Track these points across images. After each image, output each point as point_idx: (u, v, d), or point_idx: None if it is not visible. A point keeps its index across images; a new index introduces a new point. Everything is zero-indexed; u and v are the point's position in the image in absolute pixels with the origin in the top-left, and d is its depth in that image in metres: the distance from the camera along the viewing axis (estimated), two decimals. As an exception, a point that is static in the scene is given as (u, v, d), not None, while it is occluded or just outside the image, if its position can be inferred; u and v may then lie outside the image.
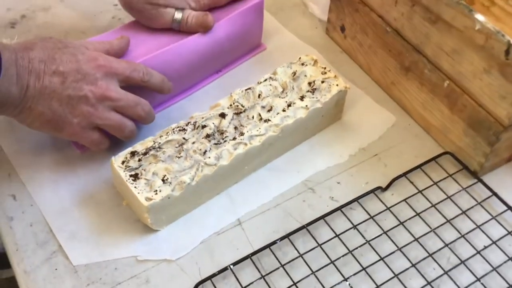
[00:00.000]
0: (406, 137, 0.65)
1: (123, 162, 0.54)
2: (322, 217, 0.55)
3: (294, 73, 0.64)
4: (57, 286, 0.51)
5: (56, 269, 0.52)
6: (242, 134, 0.57)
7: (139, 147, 0.56)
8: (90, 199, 0.57)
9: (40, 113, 0.52)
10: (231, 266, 0.51)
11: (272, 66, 0.67)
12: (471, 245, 0.54)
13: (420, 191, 0.58)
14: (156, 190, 0.52)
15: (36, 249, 0.53)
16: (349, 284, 0.51)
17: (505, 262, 0.53)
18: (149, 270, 0.52)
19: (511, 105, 0.52)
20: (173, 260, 0.53)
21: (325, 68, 0.64)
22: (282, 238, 0.53)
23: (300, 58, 0.65)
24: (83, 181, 0.59)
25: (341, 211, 0.56)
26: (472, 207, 0.57)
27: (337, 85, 0.62)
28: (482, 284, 0.51)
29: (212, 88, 0.69)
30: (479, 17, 0.52)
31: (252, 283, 0.50)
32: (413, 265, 0.52)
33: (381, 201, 0.57)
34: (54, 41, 0.54)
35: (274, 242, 0.53)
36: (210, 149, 0.56)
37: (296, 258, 0.52)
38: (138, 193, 0.52)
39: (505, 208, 0.57)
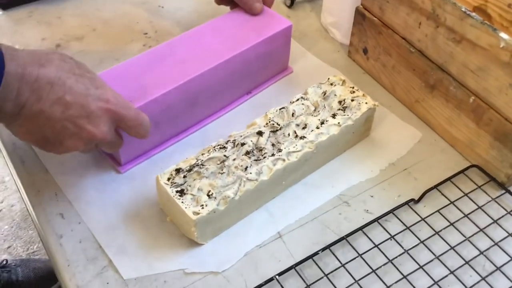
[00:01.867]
0: (433, 152, 0.68)
1: (168, 179, 0.57)
2: (360, 228, 0.58)
3: (324, 93, 0.67)
4: (110, 299, 0.52)
5: (107, 283, 0.54)
6: (280, 150, 0.60)
7: (182, 164, 0.58)
8: (135, 216, 0.59)
9: (29, 132, 0.50)
10: (277, 277, 0.53)
11: (299, 88, 0.71)
12: (505, 252, 0.56)
13: (452, 202, 0.60)
14: (203, 205, 0.55)
15: (87, 264, 0.55)
16: (392, 291, 0.53)
17: (539, 267, 0.55)
18: (197, 282, 0.54)
19: (538, 117, 0.55)
20: (219, 272, 0.55)
21: (353, 87, 0.67)
22: (323, 249, 0.56)
23: (329, 78, 0.69)
24: (127, 199, 0.61)
25: (378, 222, 0.58)
26: (502, 216, 0.59)
27: (366, 103, 0.65)
28: (518, 288, 0.53)
29: (244, 109, 0.72)
30: (504, 35, 0.56)
31: (298, 292, 0.52)
32: (451, 272, 0.54)
33: (415, 212, 0.60)
34: (72, 64, 0.50)
35: (316, 253, 0.55)
36: (251, 165, 0.58)
37: (339, 268, 0.54)
38: (186, 207, 0.54)
39: (534, 216, 0.59)
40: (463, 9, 0.59)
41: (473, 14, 0.58)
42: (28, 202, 0.61)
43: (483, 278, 0.54)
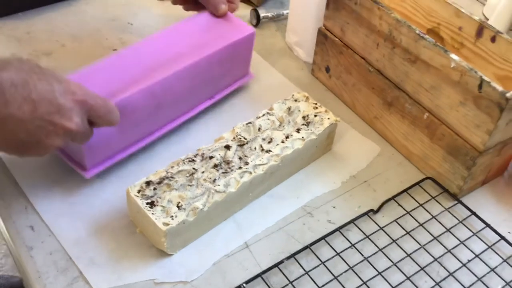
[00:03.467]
0: (391, 165, 0.72)
1: (139, 191, 0.59)
2: (323, 237, 0.61)
3: (289, 108, 0.70)
4: (81, 309, 0.54)
5: (78, 293, 0.55)
6: (246, 163, 0.63)
7: (152, 177, 0.60)
8: (105, 228, 0.61)
9: (3, 139, 0.50)
10: (244, 285, 0.56)
11: (263, 102, 0.74)
12: (457, 258, 0.60)
13: (408, 212, 0.64)
14: (172, 216, 0.57)
15: (58, 275, 0.56)
16: (353, 297, 0.56)
17: (488, 273, 0.59)
18: (166, 292, 0.56)
19: (485, 133, 0.60)
20: (188, 282, 0.57)
21: (316, 103, 0.71)
22: (288, 258, 0.58)
23: (293, 95, 0.72)
24: (97, 211, 0.62)
25: (340, 231, 0.62)
26: (454, 225, 0.63)
27: (328, 118, 0.69)
28: (469, 292, 0.57)
29: (211, 122, 0.74)
30: (454, 56, 0.60)
31: (264, 299, 0.55)
32: (408, 278, 0.58)
33: (374, 222, 0.63)
34: (31, 64, 0.50)
35: (281, 262, 0.58)
36: (219, 177, 0.61)
37: (303, 275, 0.57)
38: (156, 219, 0.56)
39: (484, 225, 0.64)
40: (417, 32, 0.64)
41: (426, 36, 0.63)
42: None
43: (437, 283, 0.57)
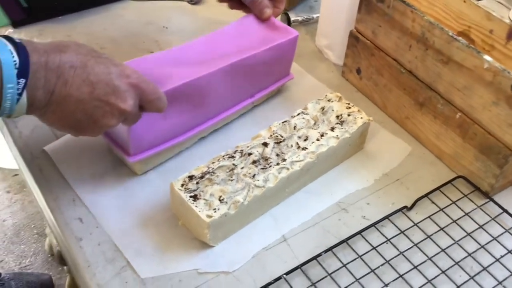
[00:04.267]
0: (422, 164, 0.73)
1: (182, 185, 0.61)
2: (359, 232, 0.63)
3: (323, 108, 0.72)
4: (129, 297, 0.56)
5: (126, 282, 0.57)
6: (284, 160, 0.65)
7: (194, 172, 0.63)
8: (149, 220, 0.63)
9: (62, 118, 0.52)
10: (284, 276, 0.58)
11: (297, 103, 0.76)
12: (490, 254, 0.62)
13: (441, 209, 0.66)
14: (215, 209, 0.59)
15: (106, 265, 0.59)
16: (390, 289, 0.58)
17: (521, 267, 0.61)
18: (209, 281, 0.58)
19: (518, 131, 0.61)
20: (230, 272, 0.59)
21: (349, 103, 0.73)
22: (326, 251, 0.60)
23: (326, 95, 0.74)
24: (141, 205, 0.65)
25: (375, 227, 0.63)
26: (487, 222, 0.65)
27: (361, 118, 0.71)
28: (504, 287, 0.58)
29: (247, 122, 0.77)
30: (487, 57, 0.62)
31: (304, 289, 0.57)
32: (443, 272, 0.59)
33: (409, 218, 0.65)
34: (88, 48, 0.53)
35: (319, 254, 0.60)
36: (258, 173, 0.63)
37: (340, 268, 0.59)
38: (200, 211, 0.59)
39: (516, 222, 0.65)
40: (450, 34, 0.66)
41: (459, 38, 0.65)
42: (47, 207, 0.65)
43: (472, 277, 0.59)
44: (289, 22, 0.95)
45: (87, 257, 0.59)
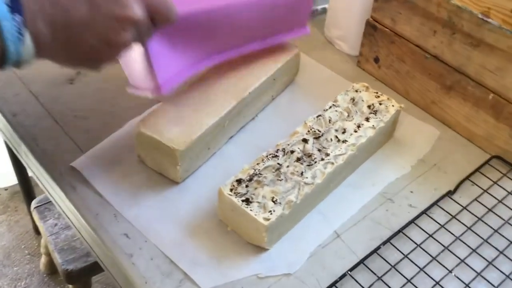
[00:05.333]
0: (455, 148, 0.74)
1: (231, 190, 0.59)
2: (412, 221, 0.62)
3: (353, 99, 0.71)
4: (194, 310, 0.54)
5: (187, 294, 0.55)
6: (327, 154, 0.64)
7: (241, 175, 0.61)
8: (197, 229, 0.61)
9: (74, 50, 0.49)
10: (349, 272, 0.57)
11: (318, 96, 0.76)
12: (542, 230, 0.62)
13: (485, 191, 0.66)
14: (271, 211, 0.57)
15: (164, 279, 0.56)
16: (455, 275, 0.57)
17: None
18: (272, 286, 0.57)
19: (557, 107, 0.62)
20: (291, 274, 0.58)
21: (377, 92, 0.73)
22: (384, 243, 0.60)
23: (353, 86, 0.73)
24: (184, 214, 0.63)
25: (426, 214, 0.63)
26: (530, 199, 0.66)
27: (392, 105, 0.71)
28: (560, 261, 0.59)
29: (272, 119, 0.76)
30: (521, 37, 0.63)
31: (372, 284, 0.56)
32: (501, 252, 0.60)
33: (455, 201, 0.65)
34: None
35: (378, 247, 0.59)
36: (305, 170, 0.62)
37: (402, 259, 0.58)
38: (255, 214, 0.57)
39: (558, 196, 0.66)
40: (480, 16, 0.66)
41: (490, 20, 0.65)
42: (88, 227, 0.61)
43: (528, 254, 0.60)
44: (294, 16, 0.94)
45: (142, 273, 0.57)
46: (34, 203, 1.30)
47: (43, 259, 1.48)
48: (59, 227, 1.24)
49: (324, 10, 0.94)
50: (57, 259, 1.19)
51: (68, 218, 0.67)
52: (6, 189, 1.75)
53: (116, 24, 0.49)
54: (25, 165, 0.75)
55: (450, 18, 0.69)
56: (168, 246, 0.59)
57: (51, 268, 1.47)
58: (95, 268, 1.16)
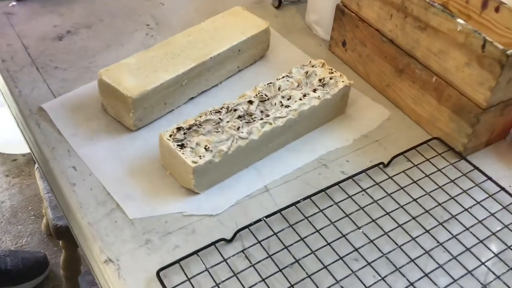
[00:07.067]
0: (401, 128, 0.77)
1: (170, 136, 0.65)
2: (337, 183, 0.66)
3: (307, 72, 0.76)
4: (118, 234, 0.60)
5: (116, 221, 0.61)
6: (267, 116, 0.69)
7: (182, 124, 0.67)
8: (139, 171, 0.67)
9: None
10: (264, 218, 0.61)
11: (283, 71, 0.80)
12: (460, 204, 0.65)
13: (415, 165, 0.70)
14: (200, 156, 0.63)
15: (97, 207, 0.63)
16: (362, 231, 0.61)
17: (488, 217, 0.64)
18: (194, 223, 0.62)
19: (488, 89, 0.65)
20: (214, 215, 0.63)
21: (331, 69, 0.77)
22: (305, 198, 0.64)
23: (310, 61, 0.78)
24: (131, 157, 0.69)
25: (353, 179, 0.67)
26: (458, 177, 0.69)
27: (342, 81, 0.75)
28: (471, 232, 0.62)
29: (234, 86, 0.81)
30: (460, 21, 0.66)
31: (282, 230, 0.60)
32: (413, 218, 0.63)
33: (385, 172, 0.69)
34: None
35: (298, 201, 0.64)
36: (243, 126, 0.67)
37: (317, 213, 0.63)
38: (186, 157, 0.62)
39: (485, 178, 0.69)
40: (427, 0, 0.70)
41: (435, 4, 0.69)
42: (44, 157, 0.68)
43: (441, 223, 0.63)
44: (280, 2, 0.99)
45: (80, 200, 0.63)
46: (37, 165, 1.40)
47: (44, 220, 1.57)
48: (56, 186, 1.32)
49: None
50: (49, 215, 1.27)
51: (32, 151, 0.75)
52: (24, 155, 1.86)
53: None
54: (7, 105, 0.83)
55: (403, 2, 0.73)
56: (109, 181, 0.65)
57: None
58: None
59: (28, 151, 1.77)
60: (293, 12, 1.00)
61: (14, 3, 0.94)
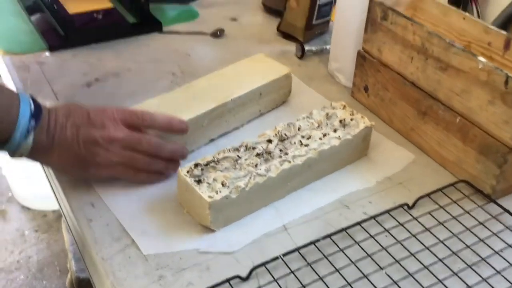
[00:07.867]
0: (426, 171, 0.75)
1: (187, 171, 0.65)
2: (359, 223, 0.64)
3: (327, 114, 0.76)
4: (131, 270, 0.58)
5: (129, 257, 0.60)
6: (286, 154, 0.68)
7: (200, 161, 0.66)
8: (156, 208, 0.66)
9: (66, 156, 0.64)
10: (281, 256, 0.59)
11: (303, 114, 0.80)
12: (490, 247, 0.62)
13: (441, 207, 0.67)
14: (217, 191, 0.62)
15: (112, 242, 0.62)
16: (385, 272, 0.58)
17: (521, 260, 0.60)
18: (209, 260, 0.60)
19: (513, 127, 0.63)
20: (229, 253, 0.61)
21: (352, 111, 0.76)
22: (324, 237, 0.62)
23: (331, 103, 0.78)
24: (149, 194, 0.68)
25: (375, 219, 0.65)
26: (487, 220, 0.65)
27: (364, 123, 0.74)
28: (502, 276, 0.58)
29: (255, 127, 0.81)
30: (481, 59, 0.66)
31: (300, 268, 0.58)
32: (440, 260, 0.60)
33: (409, 213, 0.66)
34: (76, 103, 0.68)
35: (317, 240, 0.61)
36: (261, 163, 0.66)
37: (337, 251, 0.60)
38: (202, 192, 0.62)
39: (517, 221, 0.65)
40: (447, 40, 0.69)
41: (455, 43, 0.69)
42: (63, 194, 0.69)
43: (469, 266, 0.59)
44: (303, 51, 1.01)
45: (95, 235, 0.62)
46: (63, 217, 1.41)
47: (68, 275, 1.56)
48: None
49: (331, 48, 1.01)
50: (73, 267, 1.26)
51: (55, 193, 0.75)
52: (54, 211, 1.88)
53: (95, 146, 0.64)
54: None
55: (423, 44, 0.73)
56: (125, 217, 0.65)
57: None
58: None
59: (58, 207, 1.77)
60: (316, 62, 1.01)
61: (47, 54, 0.99)
